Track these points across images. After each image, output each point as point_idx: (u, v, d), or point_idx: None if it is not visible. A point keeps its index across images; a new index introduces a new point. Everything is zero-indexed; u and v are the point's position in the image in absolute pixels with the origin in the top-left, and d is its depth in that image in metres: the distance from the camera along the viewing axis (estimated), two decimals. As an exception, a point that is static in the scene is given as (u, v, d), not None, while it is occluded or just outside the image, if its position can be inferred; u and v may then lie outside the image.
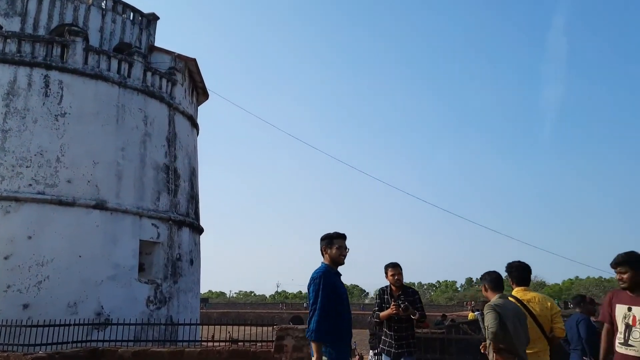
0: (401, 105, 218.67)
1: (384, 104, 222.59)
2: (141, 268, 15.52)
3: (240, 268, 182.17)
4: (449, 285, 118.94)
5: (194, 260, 18.11)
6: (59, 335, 10.86)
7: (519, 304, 4.57)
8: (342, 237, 4.35)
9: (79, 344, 11.07)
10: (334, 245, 4.33)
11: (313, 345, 3.82)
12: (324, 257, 4.37)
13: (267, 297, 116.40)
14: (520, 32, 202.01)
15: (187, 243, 17.51)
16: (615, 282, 4.60)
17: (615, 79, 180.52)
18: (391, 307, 5.53)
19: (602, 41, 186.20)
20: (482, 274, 4.81)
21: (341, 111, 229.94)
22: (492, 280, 4.58)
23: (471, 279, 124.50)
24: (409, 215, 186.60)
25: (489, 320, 4.15)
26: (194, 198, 18.91)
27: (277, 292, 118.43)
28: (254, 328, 11.13)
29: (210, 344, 10.87)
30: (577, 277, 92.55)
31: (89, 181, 14.74)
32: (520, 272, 4.81)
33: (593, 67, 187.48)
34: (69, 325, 11.02)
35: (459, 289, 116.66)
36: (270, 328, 11.83)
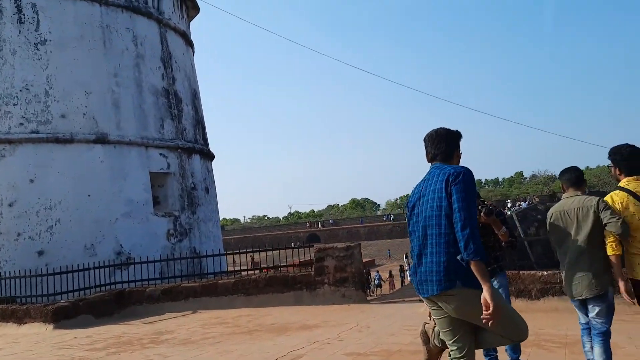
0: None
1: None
2: (156, 201, 14.55)
3: (251, 193, 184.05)
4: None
5: (210, 188, 17.12)
6: (79, 281, 10.04)
7: (633, 197, 3.69)
8: None
9: (102, 288, 10.29)
10: (460, 148, 3.01)
11: (475, 266, 2.55)
12: (450, 161, 2.93)
13: (281, 218, 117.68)
14: None
15: (199, 171, 16.42)
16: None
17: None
18: None
19: None
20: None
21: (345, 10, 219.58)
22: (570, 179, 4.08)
23: (480, 180, 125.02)
24: (424, 122, 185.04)
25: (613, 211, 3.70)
26: (199, 123, 17.57)
27: (290, 213, 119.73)
28: (271, 251, 10.31)
29: (244, 273, 10.03)
30: (599, 165, 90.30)
31: (84, 114, 13.41)
32: (630, 159, 3.82)
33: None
34: (92, 269, 10.15)
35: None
36: (297, 250, 10.98)
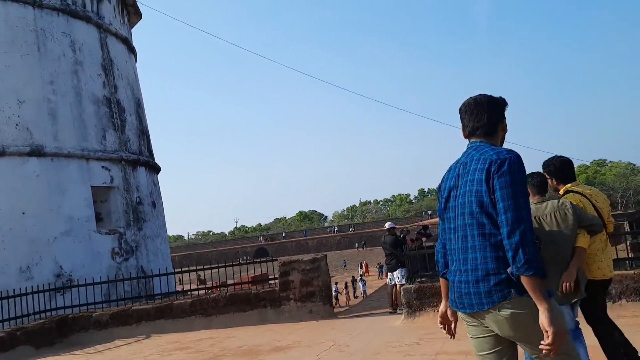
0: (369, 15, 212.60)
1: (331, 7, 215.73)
2: (98, 218, 13.51)
3: (194, 208, 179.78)
4: (403, 198, 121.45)
5: (156, 203, 16.17)
6: (15, 307, 8.99)
7: (586, 199, 3.95)
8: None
9: (41, 314, 9.27)
10: (505, 120, 2.43)
11: (528, 283, 2.00)
12: (493, 136, 2.38)
13: (227, 234, 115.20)
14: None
15: (145, 184, 15.47)
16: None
17: None
18: None
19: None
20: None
21: (295, 17, 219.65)
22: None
23: (423, 189, 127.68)
24: (359, 133, 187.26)
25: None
26: (144, 133, 16.62)
27: (236, 227, 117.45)
28: (223, 268, 9.70)
29: (201, 292, 9.33)
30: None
31: (17, 124, 12.30)
32: (564, 169, 4.10)
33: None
34: (29, 293, 9.12)
35: (413, 200, 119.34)
36: (248, 265, 10.39)
